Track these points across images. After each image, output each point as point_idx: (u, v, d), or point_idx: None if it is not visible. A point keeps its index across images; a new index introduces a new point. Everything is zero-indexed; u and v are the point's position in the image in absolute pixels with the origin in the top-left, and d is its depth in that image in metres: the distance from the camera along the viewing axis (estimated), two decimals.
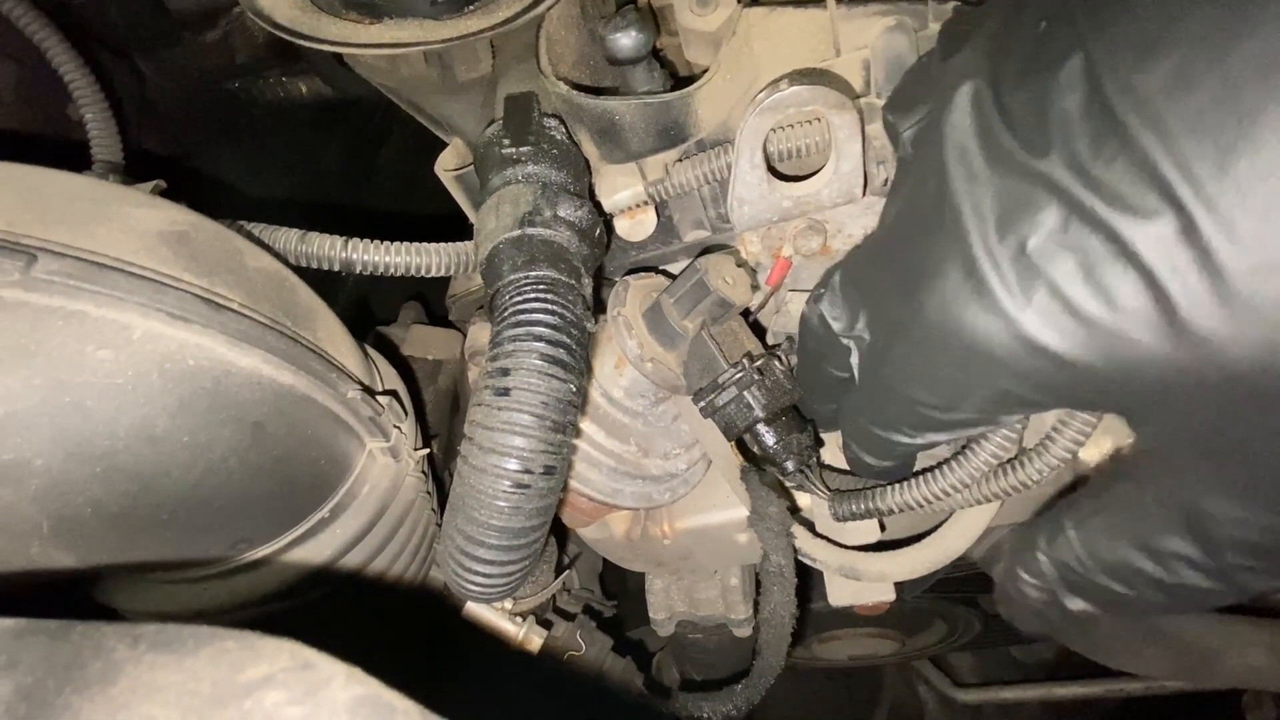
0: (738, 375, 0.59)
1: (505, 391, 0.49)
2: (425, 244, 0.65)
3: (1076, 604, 0.50)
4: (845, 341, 0.52)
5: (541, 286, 0.52)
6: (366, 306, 1.23)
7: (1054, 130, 0.38)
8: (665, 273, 0.68)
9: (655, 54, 0.63)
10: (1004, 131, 0.40)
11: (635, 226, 0.63)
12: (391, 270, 0.64)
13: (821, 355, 0.54)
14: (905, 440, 0.51)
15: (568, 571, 0.82)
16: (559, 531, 0.82)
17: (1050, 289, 0.39)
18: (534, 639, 0.71)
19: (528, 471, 0.50)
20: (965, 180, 0.42)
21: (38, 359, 0.42)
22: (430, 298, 1.02)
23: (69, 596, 0.56)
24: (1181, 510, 0.43)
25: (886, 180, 0.58)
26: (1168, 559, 0.44)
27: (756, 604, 0.69)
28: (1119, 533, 0.46)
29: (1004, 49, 0.43)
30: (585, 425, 0.65)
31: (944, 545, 0.65)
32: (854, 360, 0.52)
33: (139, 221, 0.50)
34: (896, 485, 0.59)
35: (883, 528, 0.69)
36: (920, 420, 0.48)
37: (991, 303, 0.41)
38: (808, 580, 0.69)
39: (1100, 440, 0.59)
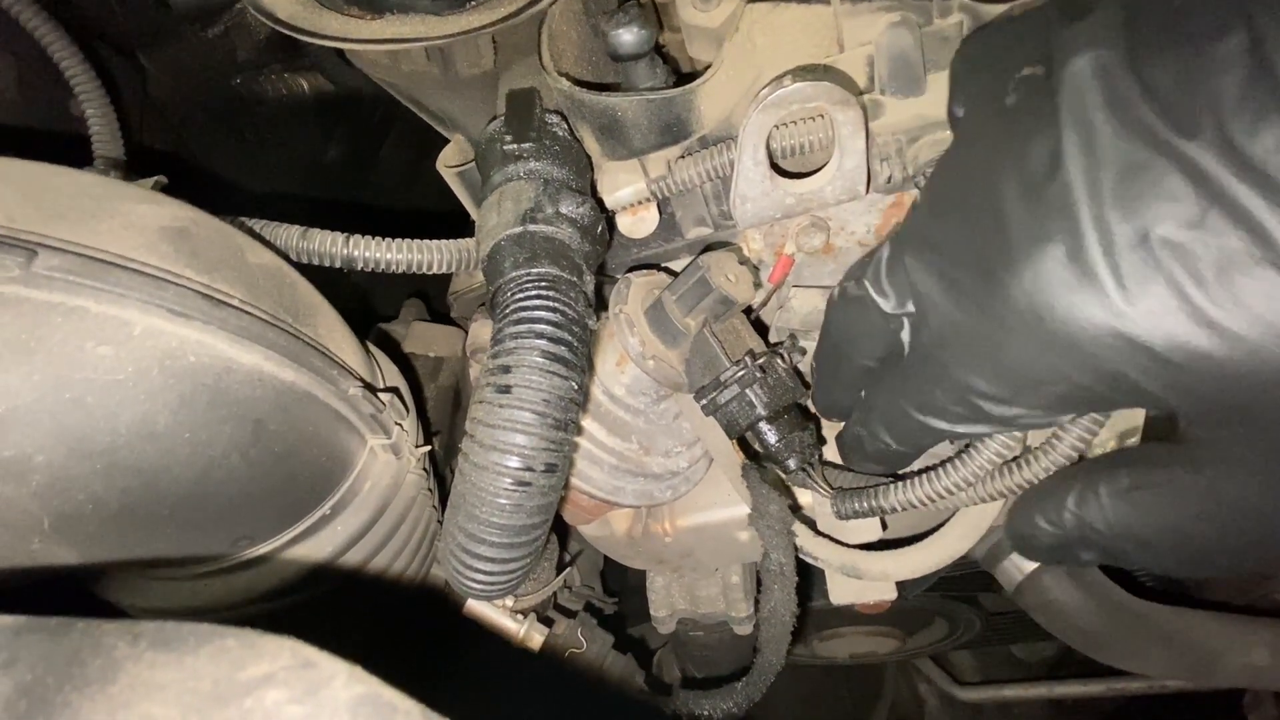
0: (740, 373, 0.58)
1: (507, 389, 0.49)
2: (427, 241, 0.65)
3: (1088, 555, 0.48)
4: (893, 322, 0.48)
5: (543, 284, 0.51)
6: (368, 303, 1.23)
7: (1204, 109, 0.34)
8: (667, 270, 0.68)
9: (658, 50, 0.63)
10: (1142, 102, 0.36)
11: (637, 223, 0.63)
12: (393, 267, 0.64)
13: (853, 338, 0.51)
14: (942, 427, 0.48)
15: (569, 569, 0.82)
16: (560, 529, 0.82)
17: (1171, 285, 0.35)
18: (535, 636, 0.71)
19: (529, 469, 0.49)
20: (1083, 150, 0.37)
21: (38, 355, 0.42)
22: (432, 295, 1.02)
23: (69, 593, 0.56)
24: (1238, 512, 0.40)
25: (890, 177, 0.57)
26: (1202, 547, 0.43)
27: (757, 602, 0.68)
28: (1158, 512, 0.44)
29: (1142, 16, 0.38)
30: (587, 423, 0.65)
31: (947, 544, 0.65)
32: (905, 336, 0.48)
33: (140, 217, 0.50)
34: (899, 483, 0.59)
35: (884, 526, 0.69)
36: (968, 411, 0.45)
37: (1094, 292, 0.37)
38: (808, 578, 0.69)
39: (1102, 434, 0.59)
